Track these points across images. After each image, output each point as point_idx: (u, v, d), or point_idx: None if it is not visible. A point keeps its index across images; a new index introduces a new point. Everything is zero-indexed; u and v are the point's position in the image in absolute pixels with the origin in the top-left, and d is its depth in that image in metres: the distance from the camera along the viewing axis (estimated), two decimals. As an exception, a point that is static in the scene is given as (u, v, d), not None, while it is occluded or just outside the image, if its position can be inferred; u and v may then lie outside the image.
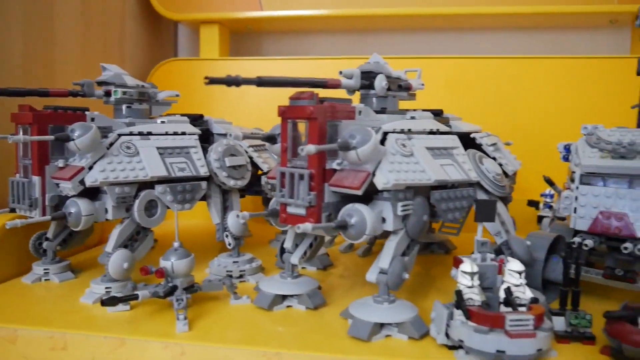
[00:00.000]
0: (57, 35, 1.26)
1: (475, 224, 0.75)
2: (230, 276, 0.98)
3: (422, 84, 0.96)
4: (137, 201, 0.92)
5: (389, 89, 0.87)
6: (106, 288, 0.89)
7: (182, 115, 1.08)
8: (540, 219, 1.23)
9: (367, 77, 0.86)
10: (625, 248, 0.77)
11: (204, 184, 1.00)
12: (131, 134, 0.95)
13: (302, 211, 0.76)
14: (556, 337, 0.76)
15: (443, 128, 0.92)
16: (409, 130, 0.85)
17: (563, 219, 1.03)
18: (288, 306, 0.87)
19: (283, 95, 0.80)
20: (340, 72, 0.83)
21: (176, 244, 0.84)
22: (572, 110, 1.41)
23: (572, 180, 0.84)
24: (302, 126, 0.77)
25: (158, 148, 0.96)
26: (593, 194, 0.80)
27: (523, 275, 0.74)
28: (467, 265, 0.73)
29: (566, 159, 0.92)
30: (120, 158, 0.91)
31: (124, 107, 1.00)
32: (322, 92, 0.82)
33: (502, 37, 1.64)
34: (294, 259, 0.88)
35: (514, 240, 0.85)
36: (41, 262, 1.00)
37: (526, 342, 0.67)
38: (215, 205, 1.04)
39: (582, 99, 1.41)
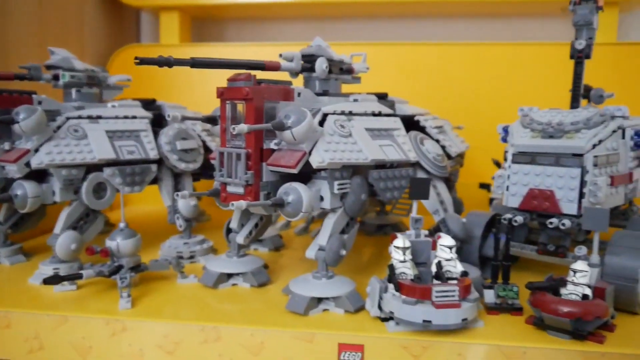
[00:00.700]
0: (13, 19, 1.25)
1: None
2: (181, 257, 1.00)
3: (367, 68, 0.98)
4: (84, 183, 0.93)
5: (330, 72, 0.89)
6: (54, 269, 0.90)
7: (135, 99, 1.09)
8: (491, 201, 1.27)
9: (309, 60, 0.88)
10: (551, 223, 0.80)
11: (154, 166, 1.02)
12: (80, 117, 0.96)
13: (240, 190, 0.78)
14: (487, 309, 0.80)
15: (386, 110, 0.94)
16: (350, 112, 0.87)
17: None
18: (233, 284, 0.90)
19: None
20: (280, 55, 0.84)
21: (122, 225, 0.86)
22: (521, 94, 1.44)
23: (506, 160, 0.87)
24: (242, 107, 0.79)
25: (107, 131, 0.97)
26: (523, 172, 0.84)
27: (454, 250, 0.77)
28: (399, 241, 0.76)
29: (505, 140, 0.95)
30: (67, 141, 0.92)
31: (73, 91, 1.01)
32: (266, 75, 0.83)
33: (456, 24, 1.67)
34: (240, 238, 0.90)
35: (450, 217, 0.88)
36: (-8, 246, 1.01)
37: (451, 312, 0.70)
38: (166, 188, 1.06)
39: (532, 83, 1.44)
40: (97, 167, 0.95)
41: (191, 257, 1.01)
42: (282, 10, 1.66)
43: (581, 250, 0.79)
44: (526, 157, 0.84)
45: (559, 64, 1.01)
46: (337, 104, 0.87)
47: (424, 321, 0.70)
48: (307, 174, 0.82)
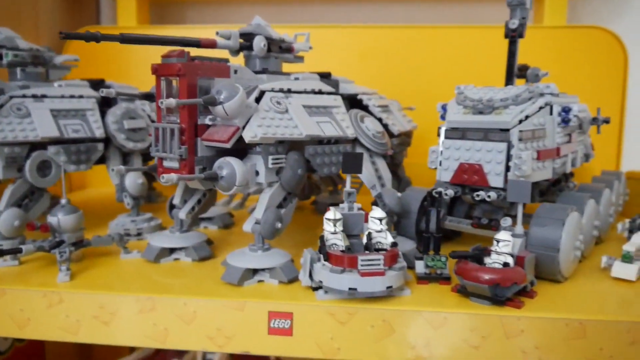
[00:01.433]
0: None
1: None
2: (128, 234, 1.02)
3: (310, 47, 1.00)
4: (28, 161, 0.94)
5: (270, 50, 0.91)
6: (-3, 245, 0.91)
7: (83, 80, 1.10)
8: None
9: (248, 39, 0.89)
10: (478, 195, 0.84)
11: (100, 145, 1.03)
12: (24, 96, 0.97)
13: (176, 164, 0.80)
14: (417, 279, 0.83)
15: (327, 89, 0.96)
16: (289, 90, 0.89)
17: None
18: (175, 259, 0.92)
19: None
20: (217, 33, 0.86)
21: (63, 201, 0.87)
22: (468, 75, 1.47)
23: (439, 136, 0.90)
24: (177, 84, 0.80)
25: (52, 110, 0.98)
26: (455, 147, 0.87)
27: (384, 222, 0.79)
28: (330, 213, 0.78)
29: (443, 117, 0.98)
30: (9, 119, 0.92)
31: (18, 70, 1.01)
32: (206, 53, 0.85)
33: (414, 7, 1.70)
34: (182, 214, 0.92)
35: (386, 192, 0.91)
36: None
37: (376, 279, 0.73)
38: (114, 167, 1.07)
39: (479, 64, 1.48)
40: (41, 145, 0.96)
41: (138, 234, 1.03)
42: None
43: (506, 221, 0.82)
44: (457, 133, 0.87)
45: (500, 46, 1.04)
46: (276, 82, 0.89)
47: (350, 289, 0.72)
48: (244, 150, 0.84)
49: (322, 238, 0.78)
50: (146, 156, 1.16)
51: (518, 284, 0.73)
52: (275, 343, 0.75)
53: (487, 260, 0.78)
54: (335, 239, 0.78)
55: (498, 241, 0.77)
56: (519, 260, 0.76)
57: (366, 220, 0.81)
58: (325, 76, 1.01)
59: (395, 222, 0.97)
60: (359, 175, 0.93)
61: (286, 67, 0.98)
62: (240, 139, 0.79)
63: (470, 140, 0.85)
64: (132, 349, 1.59)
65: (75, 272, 0.84)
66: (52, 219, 0.86)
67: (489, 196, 0.82)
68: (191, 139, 0.79)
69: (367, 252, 0.77)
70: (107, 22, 1.80)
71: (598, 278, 0.86)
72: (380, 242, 0.80)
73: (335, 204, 1.32)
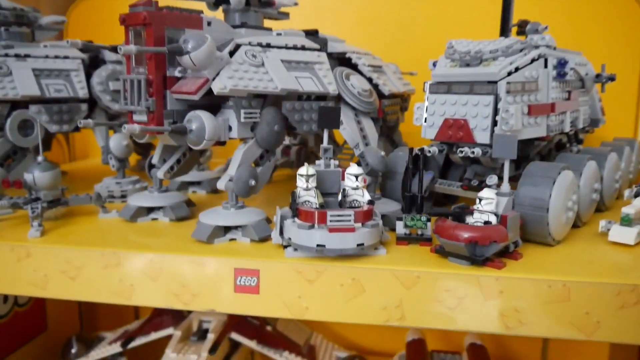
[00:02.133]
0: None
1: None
2: (112, 196, 1.01)
3: (295, 2, 0.96)
4: (8, 120, 0.93)
5: (248, 4, 0.88)
6: (-23, 203, 0.91)
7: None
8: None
9: (225, -8, 0.86)
10: (461, 151, 0.79)
11: (83, 106, 1.02)
12: (7, 55, 0.96)
13: (144, 118, 0.77)
14: (397, 239, 0.79)
15: (311, 45, 0.92)
16: (268, 44, 0.85)
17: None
18: (153, 219, 0.90)
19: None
20: (191, -16, 0.83)
21: (40, 158, 0.86)
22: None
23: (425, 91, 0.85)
24: (146, 34, 0.78)
25: (34, 69, 0.97)
26: (440, 102, 0.82)
27: (360, 178, 0.76)
28: (303, 169, 0.75)
29: (436, 75, 0.93)
30: (-11, 77, 0.92)
31: (2, 30, 1.00)
32: (181, 5, 0.82)
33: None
34: (160, 173, 0.90)
35: (368, 150, 0.87)
36: None
37: (346, 236, 0.69)
38: (99, 129, 1.06)
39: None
40: (23, 104, 0.95)
41: (123, 196, 1.01)
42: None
43: (492, 179, 0.77)
44: (443, 87, 0.82)
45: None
46: (255, 36, 0.85)
47: (318, 245, 0.69)
48: (218, 106, 0.81)
49: (293, 194, 0.75)
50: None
51: (498, 243, 0.68)
52: (242, 301, 0.72)
53: (469, 219, 0.73)
54: (308, 195, 0.75)
55: (480, 199, 0.72)
56: (502, 220, 0.72)
57: (343, 178, 0.78)
58: (311, 34, 0.97)
59: (382, 183, 0.92)
60: (343, 133, 0.89)
61: (274, 25, 0.95)
62: (214, 93, 0.76)
63: (455, 94, 0.80)
64: (136, 316, 1.60)
65: (50, 229, 0.83)
66: (27, 176, 0.84)
67: (472, 152, 0.77)
68: (159, 91, 0.76)
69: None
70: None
71: (593, 242, 0.80)
72: (356, 200, 0.76)
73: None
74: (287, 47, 0.88)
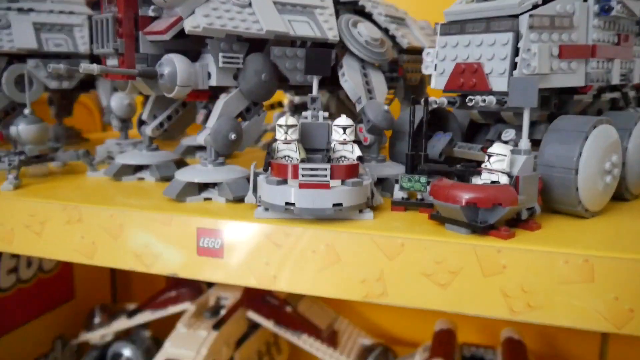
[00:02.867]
0: None
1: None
2: (111, 157, 0.96)
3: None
4: (5, 74, 0.90)
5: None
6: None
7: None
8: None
9: None
10: (471, 100, 0.65)
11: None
12: (9, 9, 0.93)
13: (116, 62, 0.71)
14: (392, 204, 0.67)
15: (313, -11, 0.82)
16: (260, -15, 0.76)
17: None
18: (140, 178, 0.84)
19: None
20: None
21: (27, 111, 0.82)
22: None
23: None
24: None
25: (35, 23, 0.94)
26: (451, 45, 0.69)
27: (349, 131, 0.65)
28: (282, 119, 0.65)
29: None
30: (-13, 30, 0.89)
31: (9, -17, 0.98)
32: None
33: None
34: (148, 129, 0.83)
35: (370, 104, 0.75)
36: None
37: (319, 194, 0.59)
38: (104, 88, 1.01)
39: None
40: (21, 58, 0.92)
41: (122, 157, 0.96)
42: None
43: (508, 133, 0.64)
44: (455, 27, 0.69)
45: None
46: (246, -25, 0.76)
47: (287, 204, 0.59)
48: (199, 51, 0.73)
49: (268, 146, 0.65)
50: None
51: (503, 207, 0.55)
52: (205, 266, 0.64)
53: (475, 180, 0.61)
54: (289, 149, 0.65)
55: (490, 156, 0.59)
56: (515, 181, 0.58)
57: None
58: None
59: (390, 145, 0.81)
60: (344, 85, 0.78)
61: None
62: (185, 32, 0.68)
63: (469, 34, 0.67)
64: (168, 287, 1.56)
65: (29, 184, 0.79)
66: (12, 129, 0.81)
67: (484, 100, 0.64)
68: (130, 32, 0.69)
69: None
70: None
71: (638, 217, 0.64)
72: (344, 157, 0.66)
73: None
74: (282, -11, 0.78)
